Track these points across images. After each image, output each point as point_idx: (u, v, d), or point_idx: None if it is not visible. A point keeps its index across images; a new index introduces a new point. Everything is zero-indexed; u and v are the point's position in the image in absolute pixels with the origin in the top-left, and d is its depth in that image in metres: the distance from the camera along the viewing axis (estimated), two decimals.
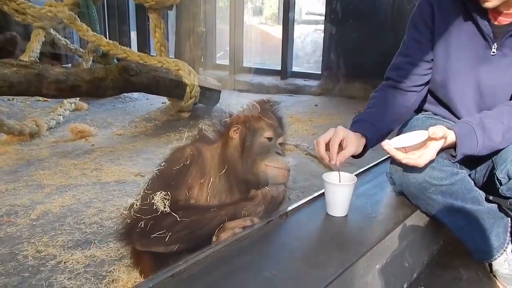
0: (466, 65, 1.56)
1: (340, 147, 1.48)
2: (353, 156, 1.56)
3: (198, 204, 1.53)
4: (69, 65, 6.02)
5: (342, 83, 5.34)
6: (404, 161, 1.43)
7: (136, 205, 1.48)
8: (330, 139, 1.46)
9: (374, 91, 1.76)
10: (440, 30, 1.60)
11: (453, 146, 1.44)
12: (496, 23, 1.50)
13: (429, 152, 1.41)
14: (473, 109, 1.59)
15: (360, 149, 1.55)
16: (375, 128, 1.58)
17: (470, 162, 1.59)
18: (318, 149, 1.48)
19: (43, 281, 1.70)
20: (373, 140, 1.58)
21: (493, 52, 1.52)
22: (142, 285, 1.13)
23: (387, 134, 1.66)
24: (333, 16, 5.36)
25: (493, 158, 1.54)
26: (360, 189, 1.75)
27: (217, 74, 5.86)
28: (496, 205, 1.58)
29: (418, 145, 1.41)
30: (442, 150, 1.45)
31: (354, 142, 1.50)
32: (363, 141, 1.55)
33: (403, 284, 1.58)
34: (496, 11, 1.47)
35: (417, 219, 1.65)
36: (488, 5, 1.41)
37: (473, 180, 1.60)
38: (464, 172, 1.55)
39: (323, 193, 1.57)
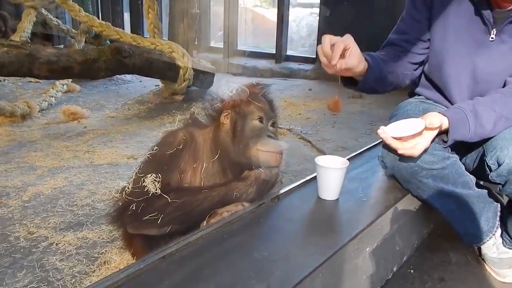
0: (463, 49, 1.55)
1: (342, 56, 1.40)
2: (348, 80, 1.55)
3: (189, 186, 1.53)
4: (61, 46, 5.95)
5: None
6: (400, 151, 1.44)
7: (128, 188, 1.48)
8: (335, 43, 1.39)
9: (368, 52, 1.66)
10: (439, 10, 1.59)
11: (445, 131, 1.44)
12: (497, 8, 1.49)
13: (424, 141, 1.42)
14: (466, 94, 1.59)
15: (361, 68, 1.47)
16: (378, 64, 1.55)
17: (462, 147, 1.60)
18: (322, 45, 1.38)
19: (35, 262, 1.71)
20: (374, 70, 1.52)
21: (492, 38, 1.51)
22: (134, 266, 1.14)
23: (381, 80, 1.61)
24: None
25: (483, 145, 1.54)
26: (352, 173, 1.76)
27: (211, 57, 5.81)
28: (486, 190, 1.60)
29: (414, 135, 1.41)
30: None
31: (358, 56, 1.43)
32: (365, 64, 1.49)
33: (393, 267, 1.60)
34: None
35: (408, 203, 1.66)
36: None
37: (464, 165, 1.61)
38: (455, 156, 1.56)
39: (315, 176, 1.57)
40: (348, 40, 1.40)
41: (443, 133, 1.45)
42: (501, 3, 1.47)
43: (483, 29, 1.52)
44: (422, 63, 1.70)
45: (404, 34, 1.67)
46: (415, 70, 1.70)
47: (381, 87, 1.64)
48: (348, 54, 1.40)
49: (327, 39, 1.38)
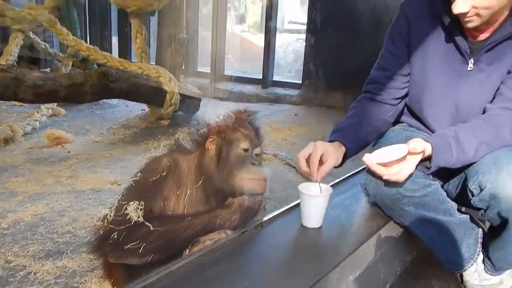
0: (443, 80, 1.59)
1: (320, 161, 1.50)
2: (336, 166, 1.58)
3: (172, 214, 1.51)
4: (48, 69, 5.94)
5: (322, 93, 5.39)
6: (385, 177, 1.45)
7: (110, 216, 1.45)
8: (309, 155, 1.49)
9: (354, 102, 1.79)
10: (417, 44, 1.63)
11: (428, 158, 1.46)
12: (472, 39, 1.53)
13: (409, 167, 1.43)
14: (447, 123, 1.62)
15: (340, 160, 1.57)
16: (354, 138, 1.61)
17: (444, 174, 1.62)
18: (298, 165, 1.51)
19: None
20: (352, 149, 1.60)
21: (470, 68, 1.54)
22: None
23: (365, 144, 1.69)
24: (314, 26, 5.41)
25: (465, 170, 1.56)
26: (335, 200, 1.77)
27: (198, 81, 5.85)
28: (468, 216, 1.61)
29: (398, 160, 1.43)
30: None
31: (334, 155, 1.52)
32: (342, 150, 1.57)
33: None
34: (474, 27, 1.50)
35: (391, 230, 1.67)
36: (470, 25, 1.43)
37: (446, 191, 1.63)
38: (437, 183, 1.58)
39: (299, 203, 1.57)
40: (319, 147, 1.50)
41: (426, 160, 1.47)
42: (474, 33, 1.52)
43: (461, 59, 1.55)
44: (405, 96, 1.73)
45: (385, 71, 1.71)
46: (398, 104, 1.74)
47: (367, 143, 1.70)
48: (325, 159, 1.50)
49: (301, 158, 1.51)
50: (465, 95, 1.57)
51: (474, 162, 1.50)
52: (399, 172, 1.43)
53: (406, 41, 1.65)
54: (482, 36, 1.51)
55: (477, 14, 1.38)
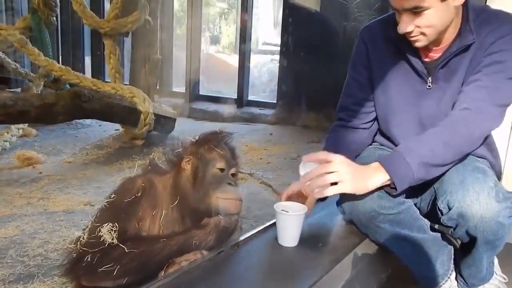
0: (405, 101, 1.64)
1: (304, 196, 1.58)
2: (320, 200, 1.63)
3: (147, 235, 1.50)
4: (19, 89, 5.83)
5: (296, 113, 5.45)
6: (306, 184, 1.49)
7: (83, 238, 1.43)
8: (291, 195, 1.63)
9: (329, 132, 1.83)
10: (377, 69, 1.69)
11: (391, 182, 1.46)
12: (427, 59, 1.59)
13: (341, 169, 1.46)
14: None
15: None
16: None
17: (415, 190, 1.66)
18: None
19: None
20: None
21: (429, 86, 1.60)
22: None
23: None
24: (287, 47, 5.51)
25: (435, 188, 1.60)
26: (311, 218, 1.77)
27: (173, 101, 5.84)
28: (439, 234, 1.65)
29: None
30: (380, 188, 1.49)
31: None
32: None
33: None
34: (426, 48, 1.57)
35: (366, 248, 1.69)
36: (419, 44, 1.50)
37: (418, 208, 1.66)
38: (410, 201, 1.61)
39: (275, 222, 1.58)
40: (295, 187, 1.66)
41: (387, 185, 1.48)
42: (428, 54, 1.59)
43: (419, 79, 1.61)
44: (376, 118, 1.78)
45: (351, 97, 1.77)
46: (371, 126, 1.79)
47: None
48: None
49: (283, 197, 1.68)
50: (428, 112, 1.62)
51: (443, 180, 1.55)
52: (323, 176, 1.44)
53: (366, 67, 1.71)
54: (436, 56, 1.58)
55: (422, 33, 1.45)
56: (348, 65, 1.79)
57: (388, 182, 1.45)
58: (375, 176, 1.45)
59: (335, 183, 1.43)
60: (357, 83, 1.75)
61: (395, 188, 1.46)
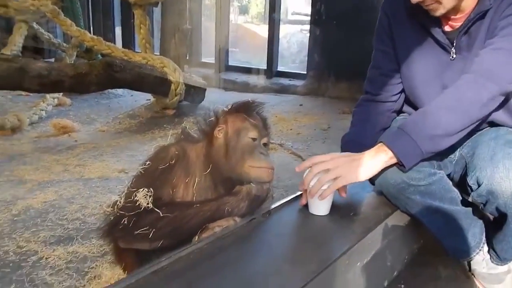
0: (429, 73, 1.61)
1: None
2: None
3: (181, 201, 1.53)
4: (52, 59, 5.94)
5: (327, 83, 5.39)
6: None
7: (120, 202, 1.48)
8: None
9: (355, 107, 1.81)
10: (399, 40, 1.65)
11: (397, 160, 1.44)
12: (449, 29, 1.55)
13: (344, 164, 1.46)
14: None
15: None
16: (362, 146, 1.58)
17: (448, 163, 1.63)
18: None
19: (24, 276, 1.69)
20: None
21: (452, 57, 1.56)
22: (125, 281, 1.14)
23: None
24: (318, 17, 5.40)
25: (467, 162, 1.57)
26: None
27: (202, 72, 5.85)
28: (471, 209, 1.62)
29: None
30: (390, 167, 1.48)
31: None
32: None
33: (383, 282, 1.61)
34: (446, 17, 1.52)
35: (398, 218, 1.68)
36: (436, 13, 1.46)
37: (451, 179, 1.64)
38: (442, 172, 1.59)
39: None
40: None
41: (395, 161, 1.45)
42: (450, 23, 1.54)
43: (442, 50, 1.57)
44: (403, 90, 1.74)
45: (378, 69, 1.74)
46: (398, 99, 1.76)
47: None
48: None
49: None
50: (452, 83, 1.57)
51: (474, 154, 1.52)
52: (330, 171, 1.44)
53: (390, 37, 1.68)
54: (457, 25, 1.53)
55: (437, 1, 1.41)
56: (374, 37, 1.75)
57: (395, 160, 1.43)
58: (376, 158, 1.44)
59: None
60: (383, 54, 1.71)
61: (399, 164, 1.44)
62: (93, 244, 1.93)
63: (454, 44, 1.54)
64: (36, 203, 2.34)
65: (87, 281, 1.67)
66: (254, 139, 1.55)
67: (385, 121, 1.76)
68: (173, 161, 1.54)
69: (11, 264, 1.78)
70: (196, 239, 1.41)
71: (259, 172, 1.51)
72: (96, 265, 1.76)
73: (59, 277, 1.69)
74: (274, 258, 1.30)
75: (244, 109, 1.61)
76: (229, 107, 1.63)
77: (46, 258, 1.82)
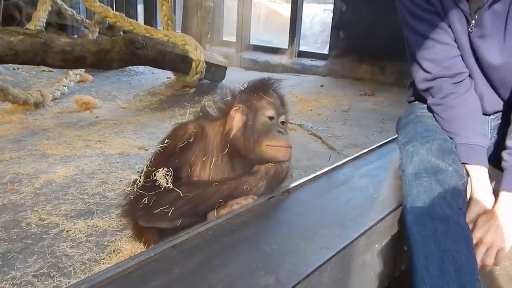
0: (462, 47, 1.56)
1: None
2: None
3: (200, 179, 1.53)
4: (75, 35, 5.98)
5: (349, 65, 5.30)
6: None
7: (139, 181, 1.48)
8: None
9: (437, 113, 1.62)
10: (437, 9, 1.56)
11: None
12: (473, 5, 1.49)
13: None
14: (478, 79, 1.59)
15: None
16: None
17: None
18: None
19: (46, 248, 1.73)
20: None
21: (471, 29, 1.51)
22: (144, 254, 1.15)
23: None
24: None
25: None
26: (363, 170, 1.76)
27: (223, 50, 5.82)
28: None
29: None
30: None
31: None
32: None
33: (401, 265, 1.60)
34: None
35: None
36: None
37: None
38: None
39: (325, 171, 1.57)
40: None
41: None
42: None
43: (465, 19, 1.52)
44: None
45: (432, 47, 1.57)
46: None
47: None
48: None
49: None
50: (484, 60, 1.53)
51: None
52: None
53: (429, 8, 1.55)
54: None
55: None
56: (406, 24, 1.60)
57: None
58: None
59: None
60: (430, 27, 1.55)
61: None
62: (112, 218, 1.96)
63: (476, 17, 1.48)
64: (58, 177, 2.38)
65: (107, 255, 1.70)
66: (271, 118, 1.53)
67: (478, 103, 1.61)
68: (191, 139, 1.54)
69: (33, 236, 1.82)
70: (215, 214, 1.41)
71: (276, 151, 1.49)
72: (116, 239, 1.79)
73: (79, 250, 1.73)
74: (292, 236, 1.29)
75: (261, 88, 1.58)
76: (245, 85, 1.61)
77: (67, 231, 1.85)
